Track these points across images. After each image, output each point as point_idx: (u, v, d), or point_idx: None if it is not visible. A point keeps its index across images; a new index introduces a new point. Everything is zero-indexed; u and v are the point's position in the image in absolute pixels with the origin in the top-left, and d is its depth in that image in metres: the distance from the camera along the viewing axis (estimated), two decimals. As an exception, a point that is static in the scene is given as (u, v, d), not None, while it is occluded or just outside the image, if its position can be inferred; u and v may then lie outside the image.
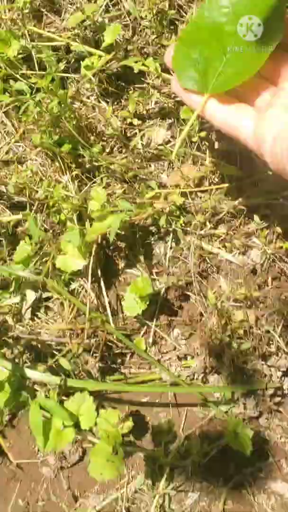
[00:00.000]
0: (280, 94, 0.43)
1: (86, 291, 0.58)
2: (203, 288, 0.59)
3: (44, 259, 0.59)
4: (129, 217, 0.56)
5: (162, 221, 0.57)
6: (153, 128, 0.63)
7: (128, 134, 0.63)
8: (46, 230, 0.61)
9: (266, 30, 0.44)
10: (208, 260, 0.59)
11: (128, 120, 0.63)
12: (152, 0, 0.60)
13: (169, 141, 0.63)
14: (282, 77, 0.44)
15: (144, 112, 0.63)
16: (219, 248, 0.59)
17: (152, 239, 0.61)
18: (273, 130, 0.41)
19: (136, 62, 0.58)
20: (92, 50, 0.60)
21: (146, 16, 0.61)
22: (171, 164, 0.62)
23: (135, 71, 0.60)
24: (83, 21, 0.60)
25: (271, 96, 0.44)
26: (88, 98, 0.64)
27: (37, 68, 0.61)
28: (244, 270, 0.58)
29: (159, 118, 0.63)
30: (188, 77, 0.46)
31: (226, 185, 0.57)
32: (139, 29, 0.62)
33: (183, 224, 0.59)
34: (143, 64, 0.59)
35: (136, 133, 0.63)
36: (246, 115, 0.44)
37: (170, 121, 0.62)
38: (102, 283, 0.59)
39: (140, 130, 0.63)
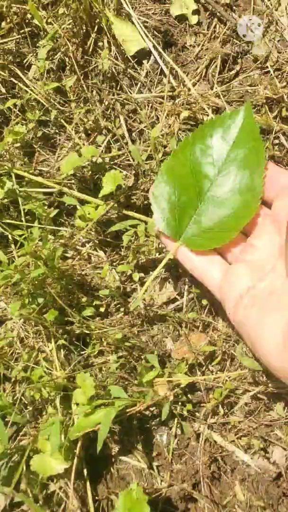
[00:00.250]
0: (247, 251, 0.43)
1: (67, 495, 0.47)
2: (214, 492, 0.48)
3: (19, 448, 0.48)
4: (124, 407, 0.45)
5: (165, 411, 0.47)
6: (156, 282, 0.54)
7: (128, 289, 0.54)
8: (25, 406, 0.51)
9: (246, 190, 0.43)
10: (220, 460, 0.48)
11: (128, 272, 0.54)
12: (158, 143, 0.52)
13: (175, 299, 0.53)
14: (254, 233, 0.43)
15: (147, 263, 0.55)
16: (234, 442, 0.48)
17: (153, 423, 0.50)
18: (235, 293, 0.40)
19: (135, 225, 0.50)
20: (88, 198, 0.52)
21: (151, 156, 0.54)
22: (177, 328, 0.52)
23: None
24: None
25: (240, 251, 0.44)
26: (83, 245, 0.55)
27: (23, 215, 0.53)
28: (265, 478, 0.46)
29: (163, 270, 0.54)
30: (164, 220, 0.45)
31: (243, 372, 0.47)
32: (143, 170, 0.54)
33: (190, 409, 0.49)
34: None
35: (136, 287, 0.54)
36: (216, 267, 0.43)
37: (175, 274, 0.53)
38: (88, 486, 0.47)
39: (142, 286, 0.54)
